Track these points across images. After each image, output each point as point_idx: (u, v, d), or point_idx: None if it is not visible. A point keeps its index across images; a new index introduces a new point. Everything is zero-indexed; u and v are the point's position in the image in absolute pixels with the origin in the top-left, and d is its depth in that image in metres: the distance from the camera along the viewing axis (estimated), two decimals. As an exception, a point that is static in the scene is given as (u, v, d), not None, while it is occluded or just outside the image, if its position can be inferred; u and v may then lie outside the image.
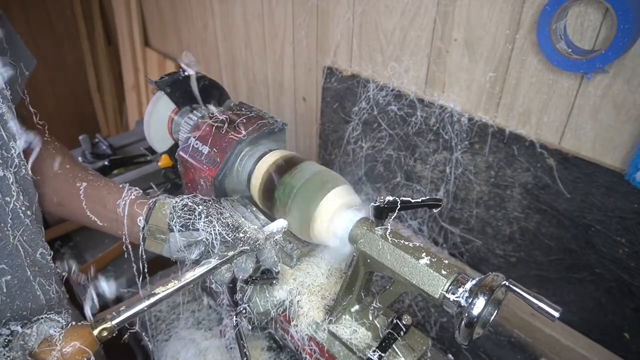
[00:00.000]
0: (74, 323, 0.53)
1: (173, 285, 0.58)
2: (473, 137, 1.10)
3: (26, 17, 2.73)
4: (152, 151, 1.03)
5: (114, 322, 0.53)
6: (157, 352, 0.99)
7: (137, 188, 0.73)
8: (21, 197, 0.59)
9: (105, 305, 1.29)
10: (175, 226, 0.65)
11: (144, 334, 1.03)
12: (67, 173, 0.74)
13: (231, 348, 0.97)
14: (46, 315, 0.53)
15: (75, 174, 0.74)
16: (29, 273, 0.60)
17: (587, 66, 0.84)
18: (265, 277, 0.73)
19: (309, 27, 1.44)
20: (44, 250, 0.64)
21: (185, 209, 0.67)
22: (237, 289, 0.77)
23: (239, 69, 1.90)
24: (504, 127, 1.04)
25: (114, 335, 0.53)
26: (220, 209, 0.68)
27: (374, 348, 0.65)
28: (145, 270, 0.70)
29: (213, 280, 0.64)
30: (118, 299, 1.23)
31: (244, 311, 0.74)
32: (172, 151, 0.99)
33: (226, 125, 0.80)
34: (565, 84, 0.92)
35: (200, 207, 0.67)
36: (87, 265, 1.26)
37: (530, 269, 1.10)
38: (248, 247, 0.63)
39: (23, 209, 0.59)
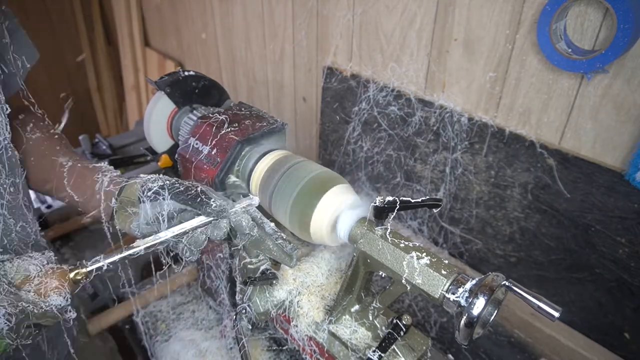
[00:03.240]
0: (53, 265, 0.56)
1: (152, 240, 0.61)
2: (473, 137, 1.10)
3: (26, 17, 2.73)
4: (152, 151, 1.03)
5: (89, 267, 0.56)
6: (157, 353, 0.99)
7: (117, 171, 0.77)
8: (3, 176, 0.65)
9: (105, 305, 1.29)
10: (146, 194, 0.68)
11: (143, 334, 1.03)
12: (55, 152, 0.79)
13: (231, 348, 0.97)
14: (29, 255, 0.57)
15: (61, 152, 0.79)
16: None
17: (587, 66, 0.84)
18: (265, 277, 0.73)
19: (309, 27, 1.44)
20: (24, 224, 0.69)
21: (156, 182, 0.70)
22: (237, 289, 0.77)
23: (239, 69, 1.90)
24: (504, 127, 1.04)
25: (88, 279, 0.56)
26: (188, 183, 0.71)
27: (374, 348, 0.65)
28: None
29: (188, 245, 0.65)
30: (118, 299, 1.23)
31: (244, 311, 0.74)
32: (172, 151, 0.99)
33: (226, 125, 0.80)
34: (565, 84, 0.92)
35: (173, 179, 0.71)
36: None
37: (530, 269, 1.10)
38: (216, 216, 0.66)
39: (5, 186, 0.65)
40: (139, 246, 0.60)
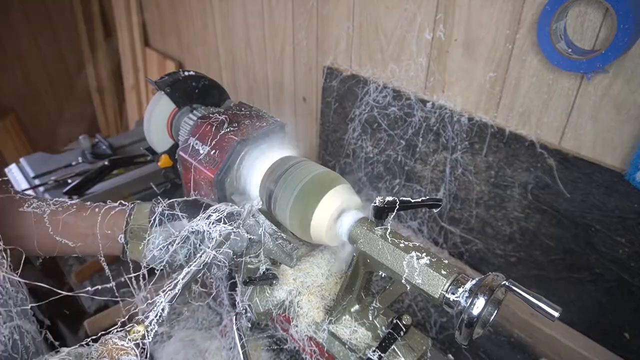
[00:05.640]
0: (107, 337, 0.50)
1: (196, 266, 0.58)
2: (473, 137, 1.10)
3: (26, 17, 2.73)
4: (152, 151, 1.03)
5: (146, 322, 0.52)
6: (157, 353, 0.99)
7: (114, 204, 0.72)
8: None
9: (105, 305, 1.29)
10: (158, 217, 0.66)
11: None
12: (19, 205, 0.70)
13: (231, 348, 0.97)
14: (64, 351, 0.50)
15: (29, 203, 0.70)
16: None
17: (587, 66, 0.84)
18: (265, 277, 0.73)
19: (309, 27, 1.44)
20: (23, 296, 0.61)
21: (165, 205, 0.69)
22: (237, 289, 0.77)
23: (239, 69, 1.90)
24: (504, 127, 1.04)
25: (149, 336, 0.51)
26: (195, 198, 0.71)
27: (373, 348, 0.65)
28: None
29: (222, 256, 0.63)
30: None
31: (244, 311, 0.74)
32: (172, 151, 0.99)
33: (226, 125, 0.80)
34: (565, 84, 0.92)
35: (179, 199, 0.69)
36: (87, 265, 1.26)
37: (530, 269, 1.10)
38: (239, 221, 0.66)
39: None
40: (177, 280, 0.56)
